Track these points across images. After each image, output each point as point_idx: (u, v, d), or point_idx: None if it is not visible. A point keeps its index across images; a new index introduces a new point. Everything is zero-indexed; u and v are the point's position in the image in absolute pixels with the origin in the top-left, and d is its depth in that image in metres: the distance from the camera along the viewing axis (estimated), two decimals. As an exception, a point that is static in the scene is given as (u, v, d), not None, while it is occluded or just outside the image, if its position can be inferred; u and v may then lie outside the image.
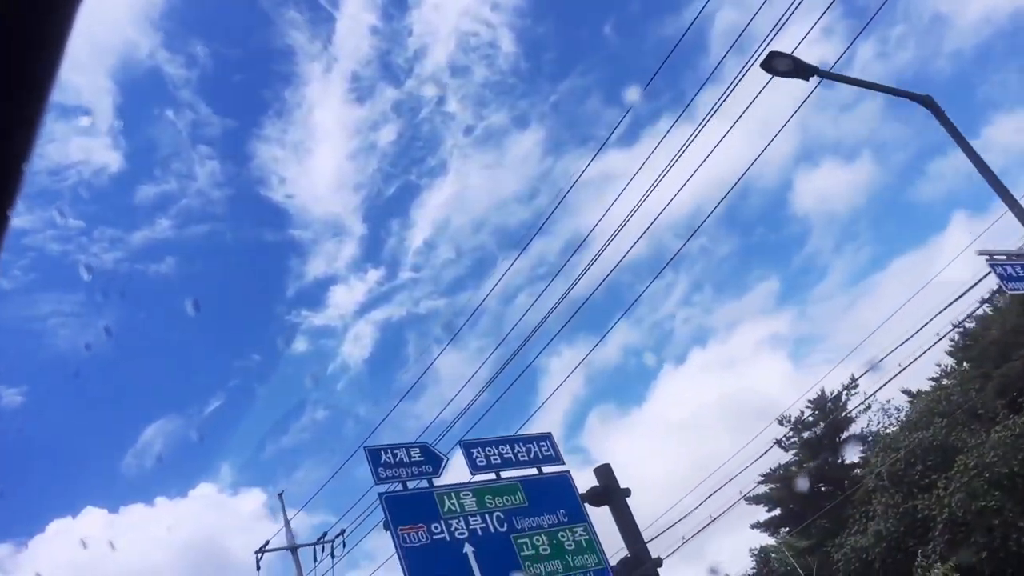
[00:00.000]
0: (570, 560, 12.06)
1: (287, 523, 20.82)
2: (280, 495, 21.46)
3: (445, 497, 11.93)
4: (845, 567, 28.35)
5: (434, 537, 11.42)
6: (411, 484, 11.90)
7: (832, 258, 78.67)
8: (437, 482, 12.09)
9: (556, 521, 12.41)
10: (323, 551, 20.29)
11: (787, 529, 36.87)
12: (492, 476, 12.51)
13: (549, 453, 13.24)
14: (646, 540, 13.02)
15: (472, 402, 15.21)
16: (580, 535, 12.39)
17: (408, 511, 11.54)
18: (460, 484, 12.24)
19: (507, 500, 12.33)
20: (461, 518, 11.78)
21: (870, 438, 33.52)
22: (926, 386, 37.27)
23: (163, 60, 64.14)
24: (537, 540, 12.08)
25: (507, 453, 12.86)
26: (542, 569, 11.80)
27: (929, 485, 26.42)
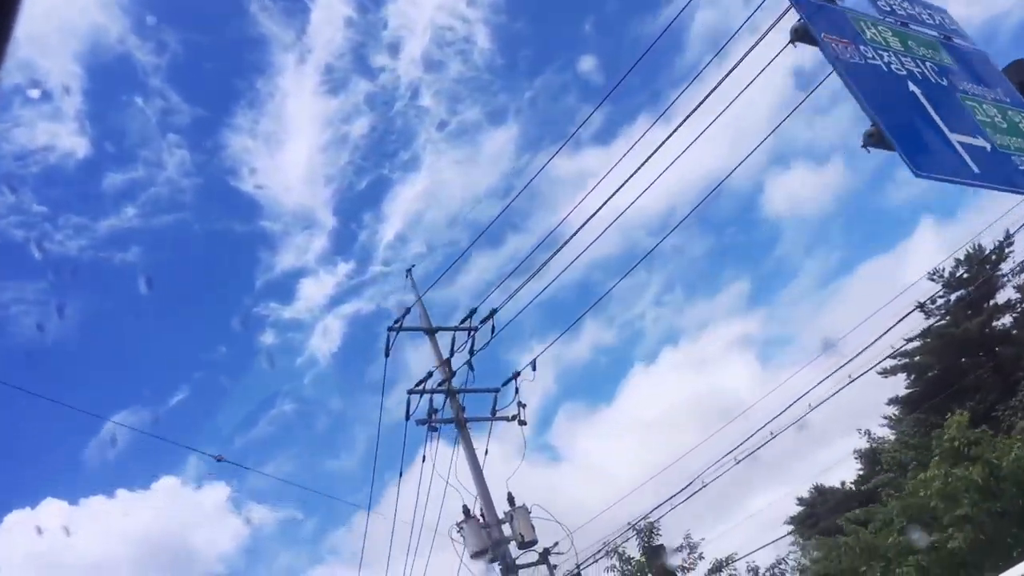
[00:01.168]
0: (1034, 146, 7.72)
1: (419, 300, 16.42)
2: (408, 272, 17.05)
3: (863, 22, 7.52)
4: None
5: (868, 61, 7.06)
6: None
7: (802, 260, 75.74)
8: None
9: (999, 98, 8.08)
10: (468, 336, 15.84)
11: (911, 417, 32.96)
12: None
13: (954, 27, 8.89)
14: None
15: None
16: (1032, 123, 8.05)
17: (823, 19, 7.15)
18: (870, 14, 7.83)
19: (932, 54, 7.98)
20: (891, 53, 7.40)
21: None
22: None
23: (133, 46, 59.56)
24: (988, 109, 7.73)
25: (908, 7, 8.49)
26: (1009, 142, 7.46)
27: None
